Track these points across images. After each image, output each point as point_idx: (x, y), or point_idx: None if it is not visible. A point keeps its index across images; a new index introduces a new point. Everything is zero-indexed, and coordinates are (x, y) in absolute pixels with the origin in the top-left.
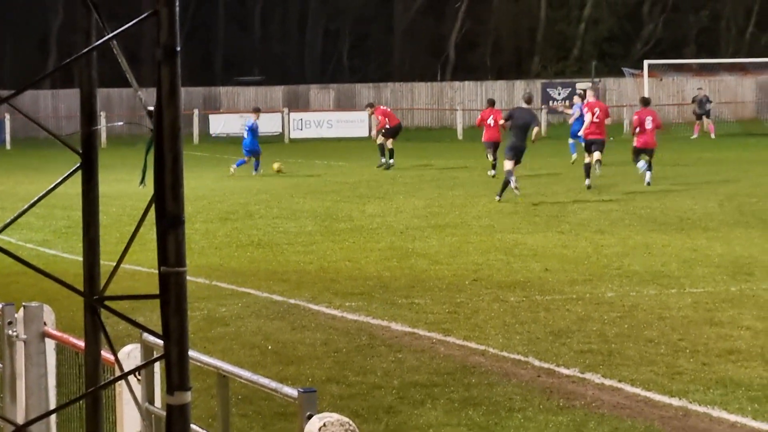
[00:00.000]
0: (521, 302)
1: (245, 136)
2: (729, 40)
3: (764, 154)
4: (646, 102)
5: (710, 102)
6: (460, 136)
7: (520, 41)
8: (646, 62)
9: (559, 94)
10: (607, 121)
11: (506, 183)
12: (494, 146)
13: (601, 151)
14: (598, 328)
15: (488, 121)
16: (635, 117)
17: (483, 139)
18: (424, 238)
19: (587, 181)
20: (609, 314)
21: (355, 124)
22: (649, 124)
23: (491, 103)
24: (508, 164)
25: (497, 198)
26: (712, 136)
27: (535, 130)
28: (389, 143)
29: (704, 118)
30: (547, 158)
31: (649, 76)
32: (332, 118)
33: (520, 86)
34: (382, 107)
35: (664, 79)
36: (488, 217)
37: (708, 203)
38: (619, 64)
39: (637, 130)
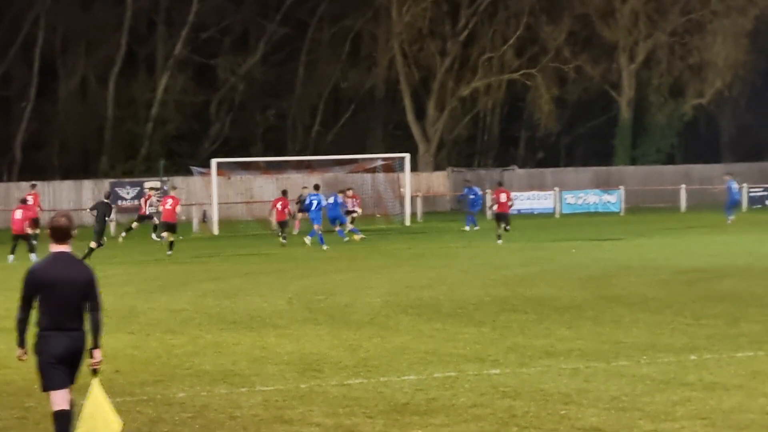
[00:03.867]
0: None
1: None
2: (295, 138)
3: (331, 250)
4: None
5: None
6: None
7: (87, 141)
8: (213, 161)
9: (128, 193)
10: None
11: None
12: (283, 225)
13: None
14: (169, 429)
15: (277, 206)
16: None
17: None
18: None
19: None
20: (180, 415)
21: None
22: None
23: (284, 193)
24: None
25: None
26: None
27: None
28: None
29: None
30: (121, 258)
31: (217, 175)
32: None
33: (88, 186)
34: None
35: (233, 177)
36: None
37: (277, 301)
38: (187, 162)
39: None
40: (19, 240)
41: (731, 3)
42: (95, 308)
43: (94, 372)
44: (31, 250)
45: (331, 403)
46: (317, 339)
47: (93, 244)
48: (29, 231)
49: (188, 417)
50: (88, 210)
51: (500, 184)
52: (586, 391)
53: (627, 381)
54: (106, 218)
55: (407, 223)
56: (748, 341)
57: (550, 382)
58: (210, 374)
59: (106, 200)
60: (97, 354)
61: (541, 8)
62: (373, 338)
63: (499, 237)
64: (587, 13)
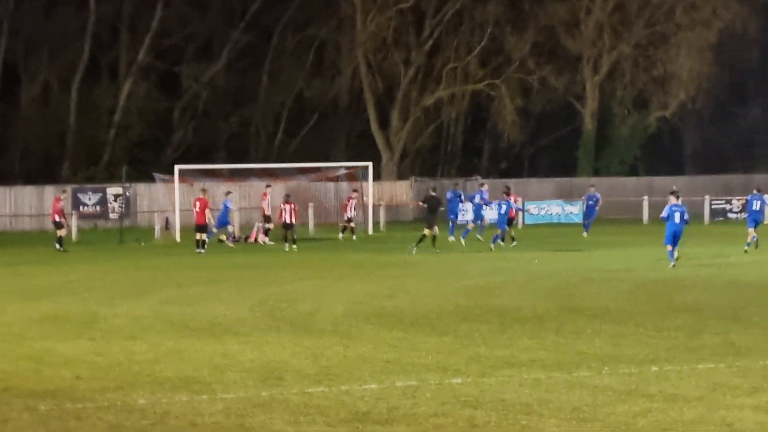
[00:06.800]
0: (52, 411)
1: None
2: (259, 146)
3: (293, 257)
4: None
5: None
6: None
7: (49, 146)
8: (176, 167)
9: (90, 199)
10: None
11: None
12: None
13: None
14: None
15: (196, 208)
16: None
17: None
18: None
19: None
20: (141, 422)
21: None
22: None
23: (203, 191)
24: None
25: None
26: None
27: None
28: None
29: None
30: (83, 264)
31: (180, 182)
32: None
33: (50, 191)
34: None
35: (195, 184)
36: (18, 324)
37: (239, 308)
38: (150, 169)
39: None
40: None
41: (695, 16)
42: None
43: None
44: None
45: (292, 411)
46: (279, 347)
47: (427, 232)
48: None
49: (149, 424)
50: (419, 203)
51: (509, 188)
52: (548, 402)
53: (588, 392)
54: (439, 209)
55: (370, 232)
56: (710, 353)
57: (512, 392)
58: (171, 381)
59: (434, 193)
60: None
61: (505, 19)
62: (335, 347)
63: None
64: (552, 24)
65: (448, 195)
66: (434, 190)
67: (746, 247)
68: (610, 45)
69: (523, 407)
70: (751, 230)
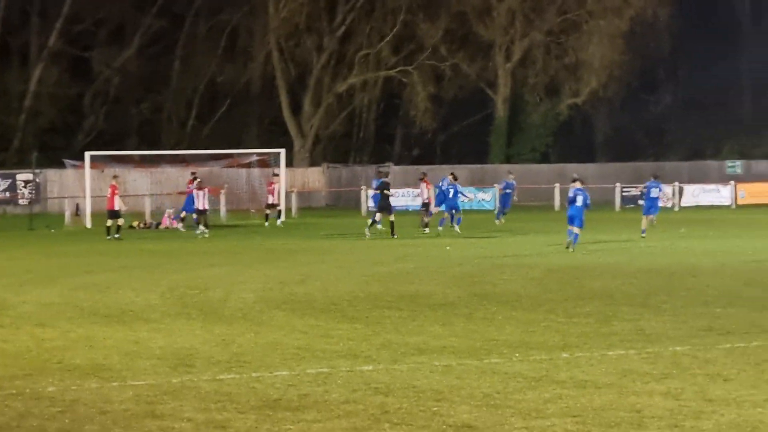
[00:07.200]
0: None
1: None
2: (170, 132)
3: (204, 244)
4: None
5: None
6: None
7: None
8: (87, 154)
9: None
10: None
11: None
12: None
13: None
14: (38, 423)
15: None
16: None
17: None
18: None
19: None
20: (50, 409)
21: None
22: None
23: (115, 177)
24: None
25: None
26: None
27: None
28: None
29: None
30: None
31: (91, 168)
32: None
33: None
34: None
35: (106, 170)
36: None
37: (150, 295)
38: (60, 155)
39: None
40: None
41: (607, 4)
42: None
43: None
44: None
45: (202, 398)
46: (190, 334)
47: (378, 217)
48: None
49: (57, 411)
50: (375, 191)
51: (425, 174)
52: (459, 388)
53: (499, 378)
54: (386, 192)
55: (282, 218)
56: (620, 340)
57: (423, 379)
58: (81, 368)
59: (386, 179)
60: None
61: (418, 6)
62: (246, 333)
63: (426, 225)
64: (464, 11)
65: (374, 184)
66: (387, 175)
67: (642, 234)
68: (522, 32)
69: (434, 394)
70: (646, 217)
